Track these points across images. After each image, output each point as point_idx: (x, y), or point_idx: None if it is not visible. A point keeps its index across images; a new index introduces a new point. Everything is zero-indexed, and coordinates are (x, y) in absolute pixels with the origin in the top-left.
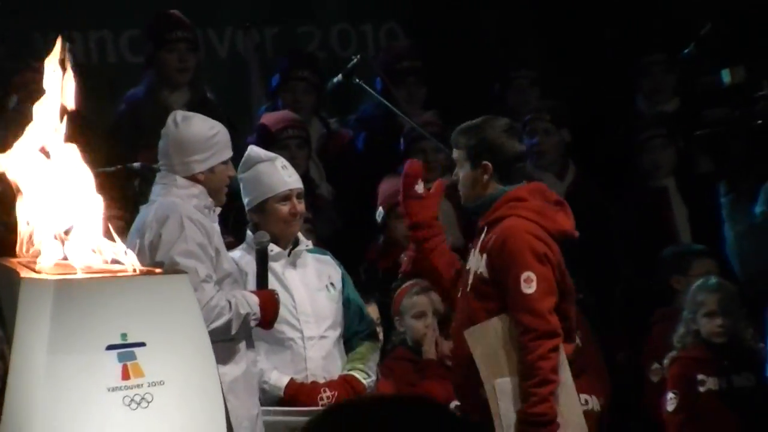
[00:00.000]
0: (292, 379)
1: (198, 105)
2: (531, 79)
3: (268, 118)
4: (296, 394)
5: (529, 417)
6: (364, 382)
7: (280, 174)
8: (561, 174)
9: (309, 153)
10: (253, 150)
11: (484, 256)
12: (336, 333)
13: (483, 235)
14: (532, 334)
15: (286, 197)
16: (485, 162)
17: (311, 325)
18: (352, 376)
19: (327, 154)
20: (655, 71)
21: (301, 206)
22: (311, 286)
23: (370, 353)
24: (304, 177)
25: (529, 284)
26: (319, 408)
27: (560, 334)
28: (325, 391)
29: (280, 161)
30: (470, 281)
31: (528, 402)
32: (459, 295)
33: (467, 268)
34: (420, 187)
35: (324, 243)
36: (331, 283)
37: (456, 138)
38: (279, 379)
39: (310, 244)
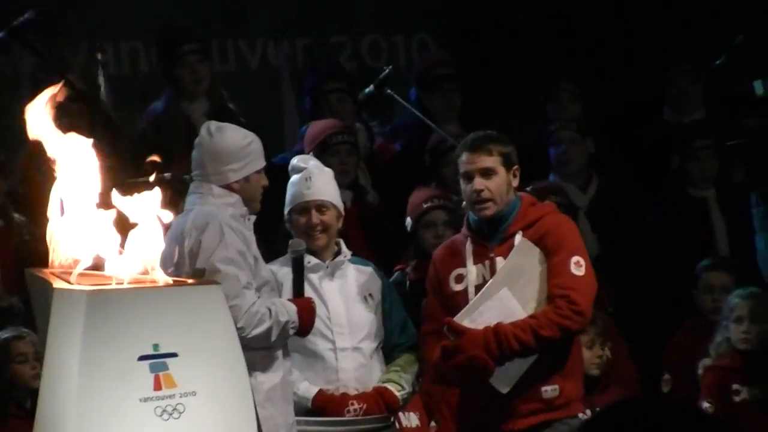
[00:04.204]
0: (320, 390)
1: (217, 114)
2: (573, 93)
3: (315, 127)
4: (324, 405)
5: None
6: (397, 394)
7: (299, 186)
8: (585, 186)
9: (358, 159)
10: (293, 161)
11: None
12: (372, 344)
13: (517, 240)
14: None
15: (303, 209)
16: (516, 166)
17: (345, 336)
18: (385, 388)
19: (373, 161)
20: (681, 81)
21: (320, 218)
22: (349, 297)
23: (409, 366)
24: (354, 184)
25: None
26: (351, 419)
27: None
28: (353, 404)
29: (307, 173)
30: None
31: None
32: None
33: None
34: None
35: (373, 252)
36: (370, 294)
37: (488, 146)
38: (308, 390)
39: (349, 254)
